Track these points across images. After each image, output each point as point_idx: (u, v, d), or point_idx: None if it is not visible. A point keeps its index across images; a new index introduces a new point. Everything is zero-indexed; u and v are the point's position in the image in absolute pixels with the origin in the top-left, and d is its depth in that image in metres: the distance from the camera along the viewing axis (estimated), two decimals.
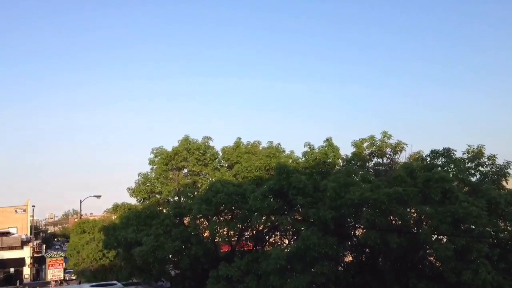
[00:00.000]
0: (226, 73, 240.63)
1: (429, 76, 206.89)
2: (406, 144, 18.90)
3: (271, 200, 18.22)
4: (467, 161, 17.36)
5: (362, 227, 16.22)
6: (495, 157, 17.08)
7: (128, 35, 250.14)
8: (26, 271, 48.56)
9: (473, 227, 14.28)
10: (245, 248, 22.77)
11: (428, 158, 17.65)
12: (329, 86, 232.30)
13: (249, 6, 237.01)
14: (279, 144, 23.97)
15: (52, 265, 49.66)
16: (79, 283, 39.31)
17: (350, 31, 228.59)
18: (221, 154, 25.36)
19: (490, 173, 17.10)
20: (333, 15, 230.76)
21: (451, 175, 16.04)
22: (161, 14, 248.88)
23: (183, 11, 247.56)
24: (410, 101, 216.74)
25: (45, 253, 56.29)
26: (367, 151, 19.38)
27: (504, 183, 17.15)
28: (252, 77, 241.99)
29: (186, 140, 25.62)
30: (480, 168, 17.31)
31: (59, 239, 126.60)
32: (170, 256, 21.82)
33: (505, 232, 15.54)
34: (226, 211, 19.41)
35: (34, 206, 67.17)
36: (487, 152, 17.28)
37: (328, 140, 19.39)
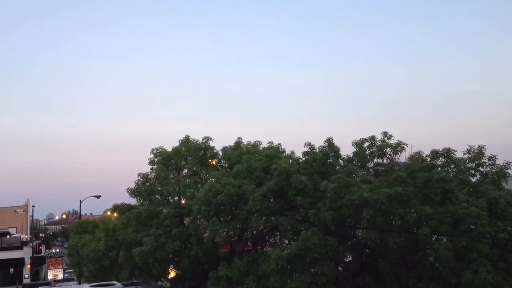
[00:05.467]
0: (226, 73, 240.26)
1: (429, 74, 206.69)
2: (406, 144, 18.87)
3: (271, 200, 18.20)
4: (467, 161, 17.35)
5: (362, 227, 16.21)
6: (495, 158, 17.07)
7: (127, 34, 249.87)
8: (26, 271, 48.48)
9: (473, 227, 14.28)
10: (245, 249, 22.75)
11: (429, 159, 17.64)
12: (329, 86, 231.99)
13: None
14: (279, 144, 23.93)
15: (52, 265, 49.61)
16: (79, 283, 39.29)
17: (351, 26, 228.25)
18: (221, 154, 25.29)
19: (490, 173, 17.09)
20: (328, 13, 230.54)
21: (451, 176, 16.02)
22: (159, 11, 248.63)
23: (181, 6, 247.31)
24: (411, 100, 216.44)
25: (45, 254, 56.22)
26: (367, 151, 19.35)
27: (504, 183, 17.14)
28: (251, 76, 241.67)
29: (186, 140, 25.56)
30: (480, 168, 17.29)
31: (59, 239, 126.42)
32: (170, 256, 21.81)
33: (505, 233, 15.55)
34: (226, 211, 19.38)
35: (34, 206, 67.14)
36: (487, 153, 17.28)
37: (329, 140, 19.35)
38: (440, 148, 17.54)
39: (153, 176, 24.58)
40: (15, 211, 63.75)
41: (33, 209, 66.25)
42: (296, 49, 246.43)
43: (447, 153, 17.19)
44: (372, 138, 19.27)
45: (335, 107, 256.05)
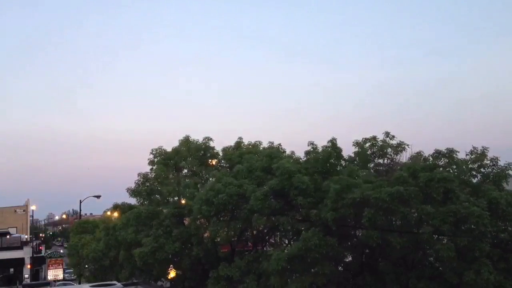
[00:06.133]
0: (225, 72, 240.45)
1: (429, 73, 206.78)
2: (407, 145, 18.86)
3: (272, 200, 18.18)
4: (469, 162, 17.34)
5: (362, 227, 16.19)
6: (497, 159, 17.05)
7: (128, 35, 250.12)
8: (26, 271, 48.46)
9: (474, 227, 14.25)
10: (245, 249, 22.73)
11: (431, 159, 17.62)
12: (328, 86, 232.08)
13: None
14: (279, 144, 23.90)
15: (52, 265, 49.58)
16: (79, 283, 39.26)
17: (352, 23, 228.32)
18: (221, 154, 25.26)
19: (492, 174, 17.07)
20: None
21: (453, 176, 16.00)
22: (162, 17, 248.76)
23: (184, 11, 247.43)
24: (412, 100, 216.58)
25: (45, 254, 56.18)
26: (369, 152, 19.32)
27: (504, 184, 17.11)
28: (251, 76, 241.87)
29: (186, 140, 25.52)
30: (482, 169, 17.28)
31: (59, 239, 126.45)
32: (170, 256, 21.78)
33: (506, 233, 15.53)
34: (226, 211, 19.36)
35: (34, 206, 67.03)
36: (490, 154, 17.26)
37: (332, 141, 19.33)
38: (443, 148, 17.56)
39: (153, 176, 24.58)
40: (15, 211, 63.69)
41: (33, 210, 66.14)
42: (291, 46, 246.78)
43: (450, 153, 17.17)
44: (374, 138, 19.24)
45: (334, 104, 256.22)
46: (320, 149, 19.35)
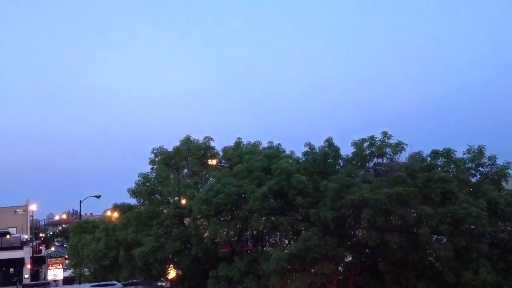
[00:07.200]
0: (225, 73, 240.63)
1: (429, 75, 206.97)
2: (406, 144, 18.87)
3: (272, 200, 18.22)
4: (467, 161, 17.38)
5: (362, 227, 16.24)
6: (495, 158, 17.10)
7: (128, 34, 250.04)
8: (26, 271, 48.49)
9: (473, 227, 14.31)
10: (245, 249, 22.77)
11: (429, 159, 17.66)
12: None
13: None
14: (279, 144, 23.91)
15: (52, 265, 49.61)
16: (79, 283, 39.30)
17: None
18: (221, 154, 25.30)
19: (491, 173, 17.12)
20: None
21: (451, 176, 16.05)
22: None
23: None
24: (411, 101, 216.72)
25: (45, 254, 56.21)
26: (367, 151, 19.35)
27: (504, 183, 17.17)
28: (251, 77, 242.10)
29: (187, 140, 25.55)
30: (480, 168, 17.33)
31: (59, 239, 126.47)
32: (170, 256, 21.84)
33: (505, 233, 15.58)
34: (226, 211, 19.39)
35: (34, 206, 67.00)
36: (487, 153, 17.31)
37: (329, 140, 19.37)
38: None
39: (153, 176, 24.60)
40: (15, 211, 63.68)
41: (33, 210, 66.12)
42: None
43: (447, 153, 17.22)
44: (372, 138, 19.27)
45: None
46: (317, 149, 19.39)
